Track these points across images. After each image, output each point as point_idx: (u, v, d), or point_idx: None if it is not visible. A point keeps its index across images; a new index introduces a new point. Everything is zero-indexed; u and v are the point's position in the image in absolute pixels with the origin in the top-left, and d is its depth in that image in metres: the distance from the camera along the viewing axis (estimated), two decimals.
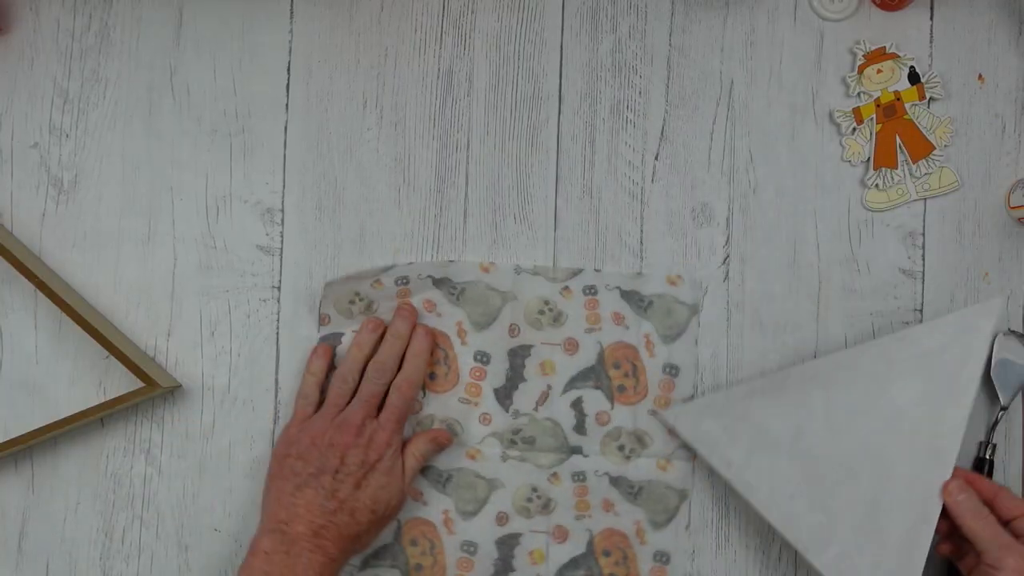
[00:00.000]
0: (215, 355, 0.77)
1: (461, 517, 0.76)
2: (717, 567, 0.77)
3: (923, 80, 0.78)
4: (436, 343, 0.76)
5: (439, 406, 0.77)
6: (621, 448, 0.76)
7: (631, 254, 0.78)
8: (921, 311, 0.78)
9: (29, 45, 0.78)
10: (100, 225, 0.77)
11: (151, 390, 0.73)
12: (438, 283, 0.77)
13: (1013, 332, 0.76)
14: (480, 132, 0.79)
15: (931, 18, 0.79)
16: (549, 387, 0.77)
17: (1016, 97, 0.79)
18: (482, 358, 0.77)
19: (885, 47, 0.78)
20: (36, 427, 0.74)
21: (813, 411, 0.74)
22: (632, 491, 0.76)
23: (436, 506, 0.76)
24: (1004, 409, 0.76)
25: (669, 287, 0.77)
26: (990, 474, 0.75)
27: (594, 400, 0.77)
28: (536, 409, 0.77)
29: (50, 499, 0.76)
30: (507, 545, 0.76)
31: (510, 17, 0.79)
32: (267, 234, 0.78)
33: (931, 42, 0.79)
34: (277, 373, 0.77)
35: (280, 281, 0.77)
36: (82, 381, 0.76)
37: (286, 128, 0.78)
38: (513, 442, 0.76)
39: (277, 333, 0.77)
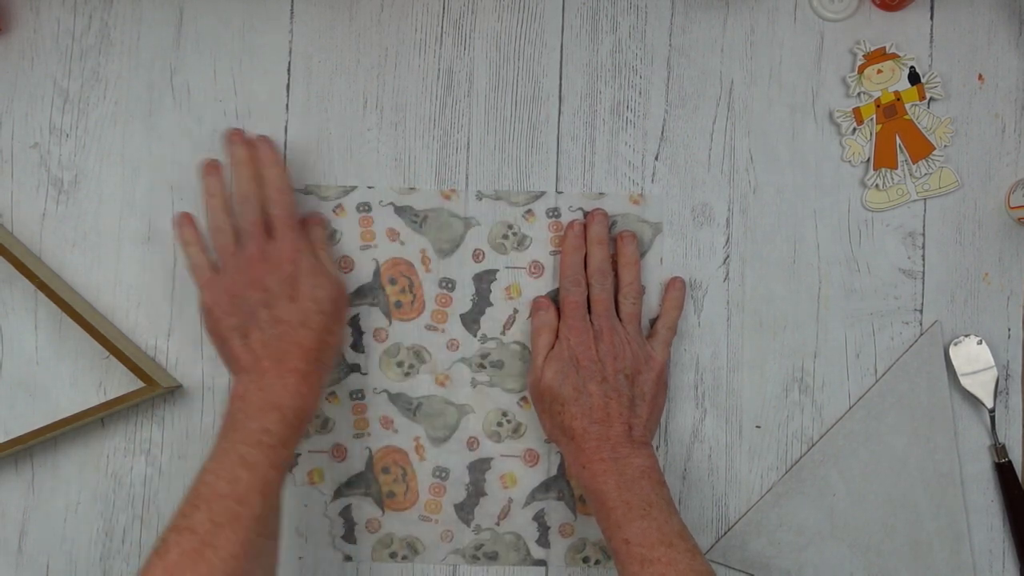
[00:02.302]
0: (215, 355, 0.77)
1: (432, 443, 0.77)
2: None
3: (923, 80, 0.78)
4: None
5: (405, 334, 0.77)
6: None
7: None
8: (921, 311, 0.78)
9: (29, 45, 0.78)
10: (100, 225, 0.77)
11: (151, 390, 0.73)
12: (400, 211, 0.77)
13: (963, 338, 0.77)
14: (480, 132, 0.79)
15: (931, 18, 0.79)
16: (515, 311, 0.77)
17: (1016, 97, 0.79)
18: (447, 285, 0.77)
19: (885, 47, 0.78)
20: (36, 427, 0.74)
21: (835, 489, 0.77)
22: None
23: (407, 434, 0.77)
24: (992, 410, 0.77)
25: (632, 206, 0.78)
26: (1013, 474, 0.76)
27: None
28: (503, 333, 0.77)
29: (50, 499, 0.76)
30: (478, 469, 0.76)
31: (510, 17, 0.79)
32: None
33: (931, 42, 0.79)
34: None
35: None
36: (82, 381, 0.76)
37: (286, 128, 0.78)
38: (482, 366, 0.77)
39: None
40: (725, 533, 0.77)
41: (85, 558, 0.76)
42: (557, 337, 0.74)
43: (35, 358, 0.76)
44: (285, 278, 0.70)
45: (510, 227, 0.78)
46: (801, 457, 0.78)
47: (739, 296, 0.78)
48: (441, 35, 0.79)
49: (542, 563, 0.77)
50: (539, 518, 0.77)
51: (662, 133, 0.79)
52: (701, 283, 0.78)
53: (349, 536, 0.77)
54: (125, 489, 0.76)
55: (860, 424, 0.77)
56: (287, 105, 0.78)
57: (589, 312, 0.74)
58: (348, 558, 0.76)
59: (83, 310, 0.73)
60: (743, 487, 0.77)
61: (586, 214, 0.77)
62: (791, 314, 0.78)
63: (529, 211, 0.78)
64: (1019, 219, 0.78)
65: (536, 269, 0.77)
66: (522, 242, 0.78)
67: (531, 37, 0.79)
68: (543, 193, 0.78)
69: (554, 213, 0.78)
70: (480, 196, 0.78)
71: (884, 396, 0.77)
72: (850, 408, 0.77)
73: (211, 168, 0.75)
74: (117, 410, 0.74)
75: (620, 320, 0.74)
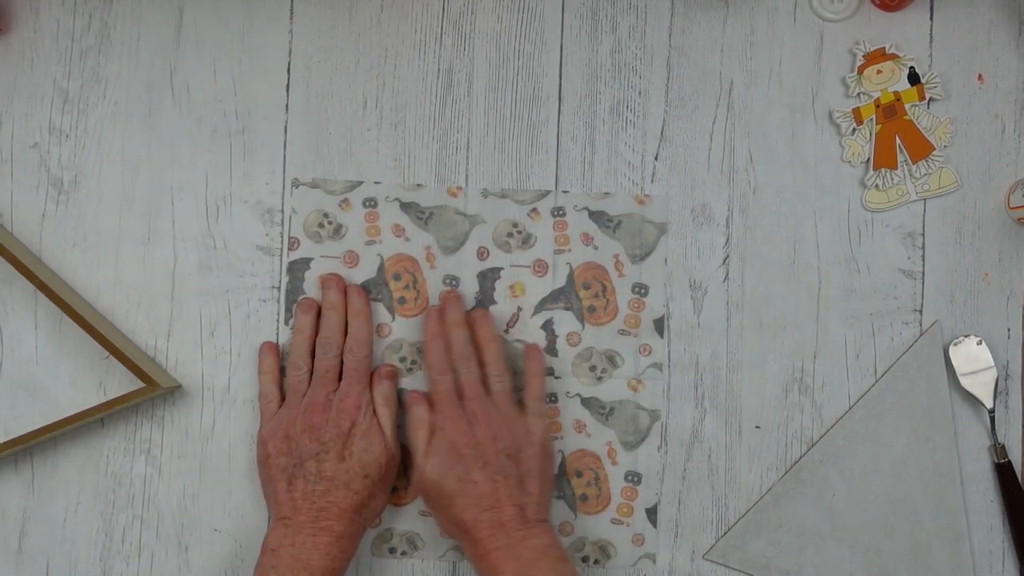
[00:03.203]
0: (215, 355, 0.77)
1: None
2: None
3: (923, 80, 0.78)
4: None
5: (408, 330, 0.77)
6: (592, 369, 0.77)
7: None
8: (921, 311, 0.78)
9: (29, 45, 0.78)
10: (100, 225, 0.77)
11: (151, 390, 0.73)
12: (406, 207, 0.77)
13: (962, 339, 0.77)
14: (480, 132, 0.79)
15: (931, 19, 0.79)
16: (519, 309, 0.77)
17: (1016, 97, 0.79)
18: (451, 281, 0.77)
19: (885, 47, 0.78)
20: (36, 427, 0.74)
21: (835, 489, 0.77)
22: (603, 412, 0.77)
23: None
24: (992, 411, 0.77)
25: (637, 206, 0.78)
26: (1013, 475, 0.76)
27: (565, 321, 0.77)
28: (507, 331, 0.77)
29: (50, 499, 0.76)
30: None
31: (510, 17, 0.79)
32: (267, 234, 0.78)
33: (931, 42, 0.79)
34: None
35: (281, 281, 0.77)
36: (82, 381, 0.76)
37: (286, 128, 0.78)
38: None
39: (277, 333, 0.77)
40: (725, 533, 0.77)
41: (85, 558, 0.76)
42: (433, 431, 0.72)
43: (35, 358, 0.76)
44: (340, 434, 0.71)
45: (515, 225, 0.78)
46: (801, 457, 0.78)
47: (739, 296, 0.78)
48: (441, 35, 0.79)
49: None
50: None
51: (662, 133, 0.79)
52: (701, 283, 0.78)
53: None
54: (125, 489, 0.76)
55: (860, 424, 0.77)
56: (287, 105, 0.78)
57: (460, 398, 0.73)
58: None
59: (83, 310, 0.73)
60: (743, 487, 0.77)
61: (442, 296, 0.77)
62: (791, 314, 0.78)
63: (534, 210, 0.78)
64: (1019, 219, 0.78)
65: (540, 268, 0.77)
66: (526, 240, 0.78)
67: (531, 37, 0.79)
68: (548, 192, 0.78)
69: (559, 212, 0.78)
70: (486, 194, 0.78)
71: (884, 396, 0.77)
72: (850, 408, 0.78)
73: (306, 306, 0.76)
74: (117, 410, 0.74)
75: (492, 401, 0.73)
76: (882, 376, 0.78)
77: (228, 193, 0.78)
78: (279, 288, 0.77)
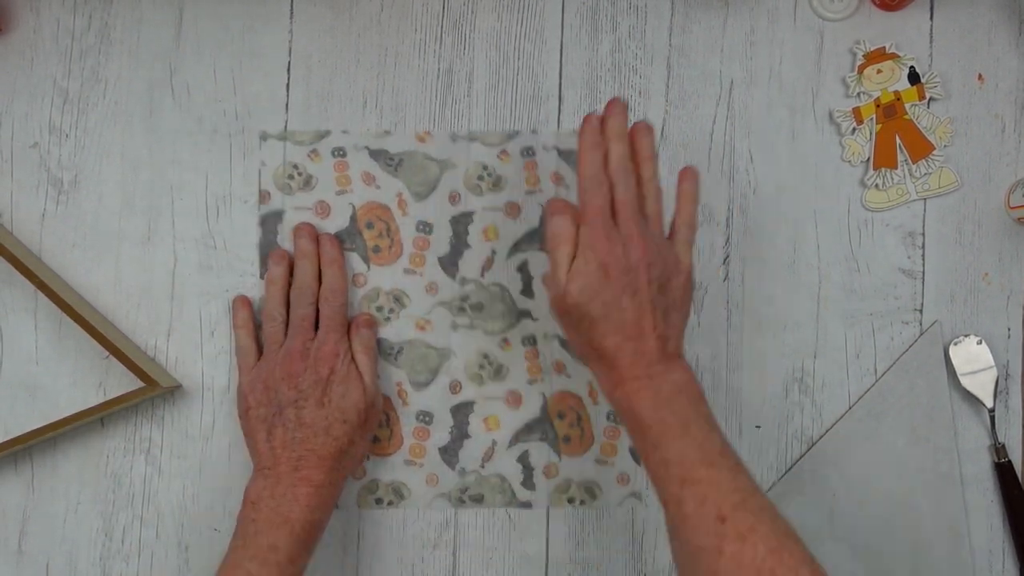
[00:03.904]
0: (215, 355, 0.77)
1: (414, 388, 0.77)
2: None
3: (923, 80, 0.78)
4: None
5: (384, 278, 0.77)
6: None
7: None
8: (921, 311, 0.78)
9: (29, 45, 0.78)
10: (100, 225, 0.77)
11: (151, 390, 0.73)
12: (375, 155, 0.77)
13: (962, 338, 0.77)
14: (480, 132, 0.79)
15: (931, 18, 0.79)
16: (493, 252, 0.77)
17: (1016, 97, 0.79)
18: (424, 228, 0.77)
19: (885, 47, 0.78)
20: (36, 427, 0.74)
21: (835, 489, 0.77)
22: None
23: (389, 379, 0.77)
24: (992, 410, 0.77)
25: None
26: (1013, 474, 0.76)
27: (539, 262, 0.77)
28: (482, 275, 0.77)
29: (50, 499, 0.76)
30: (461, 413, 0.77)
31: (510, 17, 0.79)
32: None
33: (931, 42, 0.79)
34: None
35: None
36: (82, 381, 0.76)
37: (286, 128, 0.78)
38: (462, 309, 0.77)
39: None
40: None
41: (85, 558, 0.76)
42: (578, 247, 0.65)
43: (35, 358, 0.76)
44: (318, 381, 0.71)
45: (485, 168, 0.78)
46: (801, 457, 0.77)
47: (739, 296, 0.78)
48: (441, 35, 0.79)
49: (528, 505, 0.77)
50: (523, 460, 0.77)
51: (662, 133, 0.79)
52: (701, 283, 0.78)
53: None
54: (125, 489, 0.76)
55: (860, 424, 0.77)
56: (287, 105, 0.78)
57: (613, 216, 0.66)
58: (335, 506, 0.76)
59: (83, 310, 0.73)
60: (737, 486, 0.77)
61: (606, 105, 0.69)
62: (791, 314, 0.78)
63: (504, 151, 0.78)
64: (1019, 219, 0.78)
65: (512, 210, 0.77)
66: (497, 183, 0.78)
67: (531, 37, 0.79)
68: (517, 133, 0.78)
69: (528, 152, 0.78)
70: (454, 138, 0.78)
71: (884, 396, 0.77)
72: (850, 408, 0.78)
73: (279, 257, 0.76)
74: (117, 410, 0.74)
75: (646, 222, 0.66)
76: (882, 376, 0.78)
77: (228, 193, 0.78)
78: None
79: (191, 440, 0.77)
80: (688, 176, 0.70)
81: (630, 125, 0.69)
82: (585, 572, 0.77)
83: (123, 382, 0.75)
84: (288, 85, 0.78)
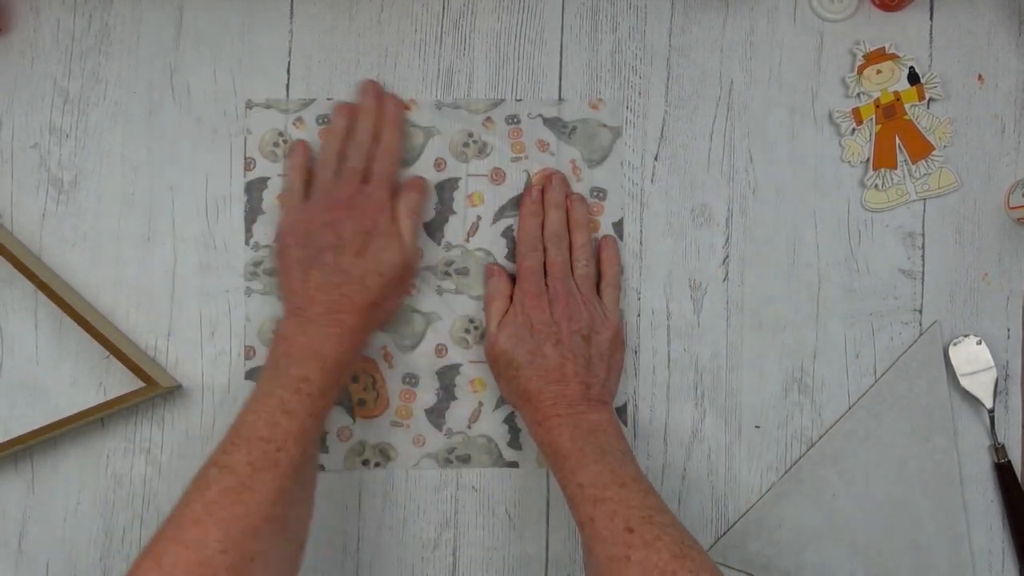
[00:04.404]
0: (215, 355, 0.77)
1: (400, 351, 0.77)
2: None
3: (923, 80, 0.78)
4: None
5: None
6: None
7: (631, 254, 0.78)
8: (921, 311, 0.78)
9: (29, 45, 0.78)
10: (100, 225, 0.77)
11: (151, 390, 0.73)
12: None
13: (962, 339, 0.77)
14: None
15: (931, 19, 0.79)
16: (479, 218, 0.78)
17: (1016, 98, 0.79)
18: None
19: (885, 47, 0.78)
20: (36, 427, 0.74)
21: (835, 489, 0.77)
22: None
23: (374, 343, 0.77)
24: (991, 411, 0.77)
25: (591, 111, 0.78)
26: (1012, 475, 0.76)
27: None
28: (467, 240, 0.78)
29: (50, 499, 0.76)
30: (447, 376, 0.77)
31: (510, 18, 0.79)
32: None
33: (931, 43, 0.79)
34: None
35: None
36: (82, 381, 0.76)
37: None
38: (447, 274, 0.78)
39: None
40: (725, 533, 0.77)
41: (85, 558, 0.76)
42: (511, 302, 0.74)
43: (35, 358, 0.76)
44: (360, 231, 0.71)
45: (470, 135, 0.78)
46: (800, 457, 0.78)
47: (738, 296, 0.78)
48: (441, 35, 0.79)
49: (514, 464, 0.77)
50: (509, 420, 0.77)
51: (662, 133, 0.79)
52: (701, 283, 0.78)
53: (321, 446, 0.77)
54: (125, 489, 0.76)
55: (860, 424, 0.77)
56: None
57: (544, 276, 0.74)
58: (321, 467, 0.77)
59: (83, 310, 0.73)
60: (743, 487, 0.78)
61: (546, 176, 0.77)
62: (790, 314, 0.78)
63: (488, 119, 0.78)
64: (1018, 219, 0.78)
65: (497, 176, 0.78)
66: (483, 150, 0.78)
67: (531, 37, 0.79)
68: (502, 100, 0.78)
69: (513, 120, 0.78)
70: (439, 105, 0.78)
71: (884, 396, 0.77)
72: (849, 408, 0.78)
73: (343, 111, 0.76)
74: (117, 410, 0.74)
75: (575, 282, 0.74)
76: (882, 376, 0.78)
77: (228, 193, 0.78)
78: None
79: (191, 440, 0.77)
80: (607, 244, 0.77)
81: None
82: (585, 572, 0.77)
83: (123, 382, 0.75)
84: (288, 85, 0.78)
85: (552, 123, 0.78)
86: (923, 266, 0.78)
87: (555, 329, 0.71)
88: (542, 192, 0.77)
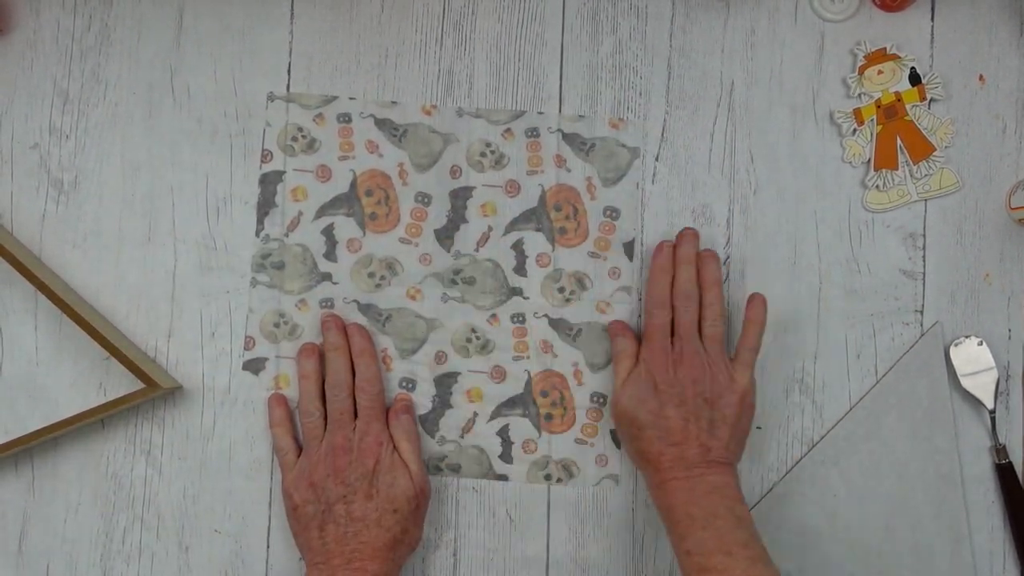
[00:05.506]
0: (215, 356, 0.77)
1: (399, 355, 0.77)
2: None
3: (924, 81, 0.78)
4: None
5: (379, 245, 0.77)
6: (561, 290, 0.77)
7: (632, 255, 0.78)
8: (922, 312, 0.78)
9: (29, 45, 0.78)
10: (100, 225, 0.77)
11: (152, 391, 0.73)
12: (380, 124, 0.78)
13: (963, 339, 0.77)
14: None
15: (932, 19, 0.79)
16: (490, 228, 0.78)
17: (1017, 98, 0.79)
18: (423, 199, 0.78)
19: (886, 48, 0.78)
20: (36, 428, 0.74)
21: (836, 490, 0.77)
22: (571, 333, 0.77)
23: (376, 345, 0.77)
24: (992, 411, 0.77)
25: (611, 130, 0.78)
26: (1014, 476, 0.76)
27: (535, 242, 0.78)
28: (477, 250, 0.78)
29: (50, 500, 0.76)
30: (445, 383, 0.77)
31: (510, 19, 0.79)
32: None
33: (932, 43, 0.79)
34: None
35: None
36: (82, 382, 0.76)
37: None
38: (454, 282, 0.77)
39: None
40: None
41: (85, 559, 0.76)
42: (637, 361, 0.73)
43: (35, 359, 0.76)
44: (365, 473, 0.71)
45: (488, 145, 0.78)
46: (802, 458, 0.77)
47: (739, 296, 0.78)
48: (441, 36, 0.79)
49: (504, 478, 0.77)
50: (503, 433, 0.77)
51: (662, 134, 0.79)
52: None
53: None
54: (125, 490, 0.76)
55: (861, 425, 0.77)
56: (287, 106, 0.78)
57: (672, 334, 0.73)
58: None
59: (83, 311, 0.73)
60: (743, 487, 0.77)
61: (677, 234, 0.76)
62: (791, 314, 0.78)
63: (508, 129, 0.78)
64: (1020, 220, 0.78)
65: (512, 188, 0.78)
66: (499, 160, 0.78)
67: (531, 38, 0.79)
68: (524, 112, 0.78)
69: (533, 133, 0.78)
70: (460, 113, 0.78)
71: (885, 397, 0.77)
72: (851, 409, 0.77)
73: (308, 351, 0.75)
74: (117, 411, 0.74)
75: (703, 343, 0.73)
76: (883, 377, 0.77)
77: (228, 194, 0.78)
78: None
79: (191, 441, 0.77)
80: (755, 303, 0.75)
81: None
82: (585, 572, 0.77)
83: (123, 383, 0.75)
84: (288, 86, 0.78)
85: (571, 139, 0.78)
86: (924, 267, 0.78)
87: (679, 390, 0.70)
88: (674, 248, 0.75)
